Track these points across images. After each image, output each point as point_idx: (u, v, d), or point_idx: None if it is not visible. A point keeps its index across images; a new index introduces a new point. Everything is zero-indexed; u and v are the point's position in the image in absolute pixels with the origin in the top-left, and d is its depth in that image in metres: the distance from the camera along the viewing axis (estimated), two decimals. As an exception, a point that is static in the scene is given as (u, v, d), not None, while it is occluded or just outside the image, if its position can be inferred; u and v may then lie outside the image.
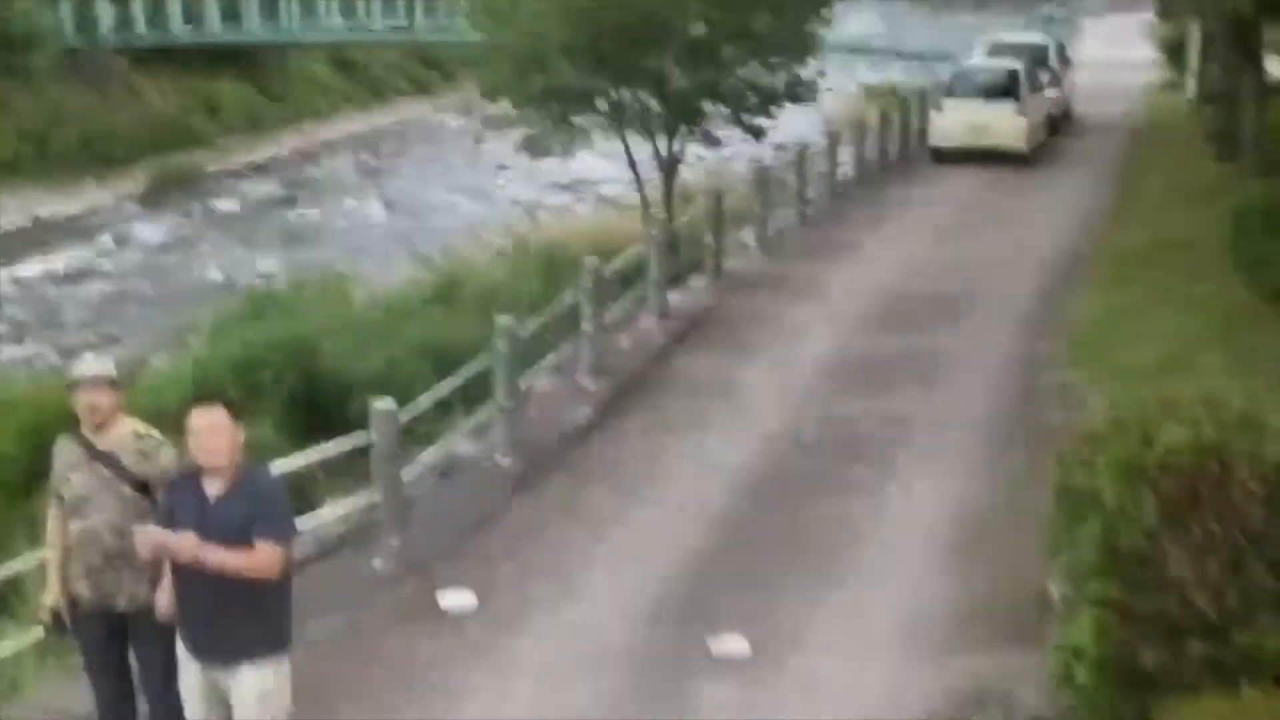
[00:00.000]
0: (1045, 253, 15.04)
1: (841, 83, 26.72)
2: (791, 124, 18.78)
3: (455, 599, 6.96)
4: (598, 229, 21.64)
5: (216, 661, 4.72)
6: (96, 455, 5.09)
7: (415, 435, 8.61)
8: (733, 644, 6.53)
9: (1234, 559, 4.85)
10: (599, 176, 33.72)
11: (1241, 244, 12.25)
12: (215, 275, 28.60)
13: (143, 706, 5.32)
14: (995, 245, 15.43)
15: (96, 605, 5.10)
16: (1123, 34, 41.40)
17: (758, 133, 18.20)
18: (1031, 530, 6.71)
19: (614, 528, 7.98)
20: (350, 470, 8.39)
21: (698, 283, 13.65)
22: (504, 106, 18.46)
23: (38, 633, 5.87)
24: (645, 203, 18.19)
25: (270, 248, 31.36)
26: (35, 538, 6.67)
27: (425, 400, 8.23)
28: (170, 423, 5.11)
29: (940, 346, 11.48)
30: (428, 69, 56.27)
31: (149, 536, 4.64)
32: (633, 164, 18.55)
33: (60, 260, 30.05)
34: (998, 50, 24.84)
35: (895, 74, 36.56)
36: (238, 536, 4.57)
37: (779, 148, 26.23)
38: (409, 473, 7.88)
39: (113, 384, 5.17)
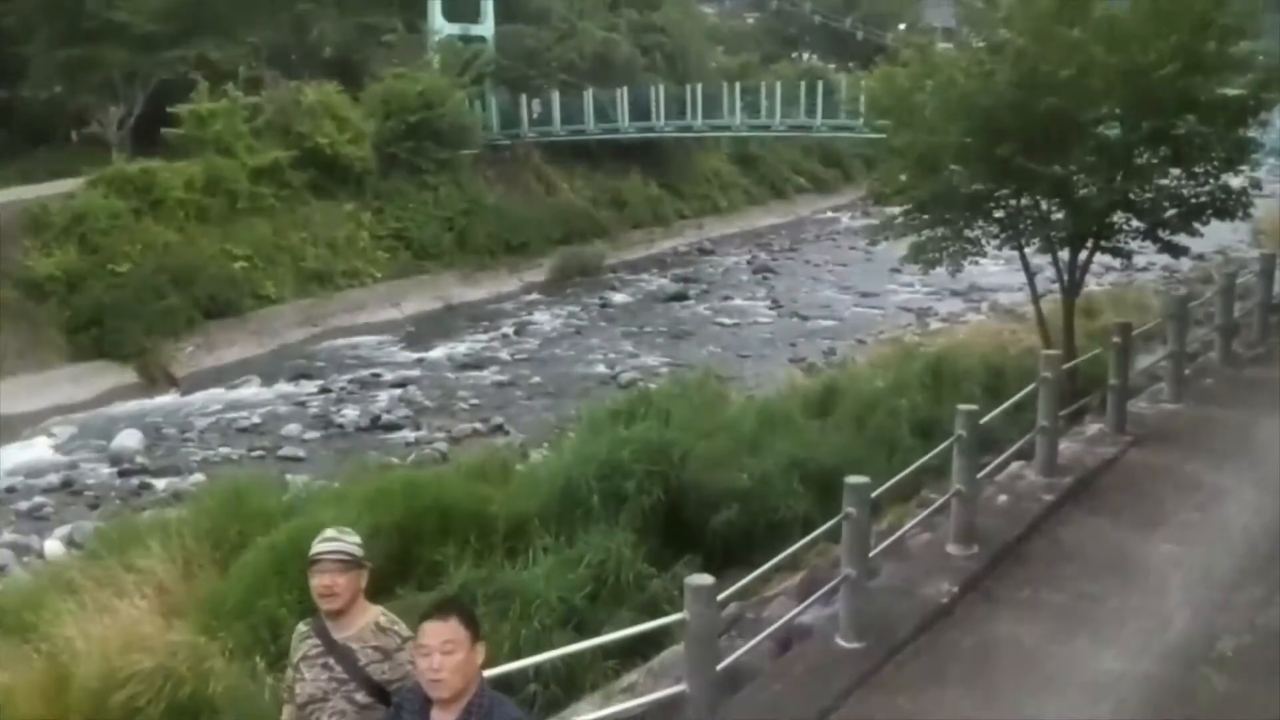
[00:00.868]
0: None
1: (1276, 190, 23.49)
2: (1215, 229, 16.30)
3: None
4: (990, 340, 20.07)
5: None
6: (332, 649, 4.39)
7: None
8: None
9: None
10: (996, 284, 31.85)
11: None
12: (601, 368, 29.14)
13: None
14: None
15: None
16: None
17: (1177, 250, 15.90)
18: None
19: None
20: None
21: (1095, 428, 11.78)
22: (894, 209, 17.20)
23: None
24: (1043, 326, 16.36)
25: (656, 343, 31.73)
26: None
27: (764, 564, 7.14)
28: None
29: None
30: (827, 167, 56.27)
31: None
32: (1030, 279, 16.78)
33: (463, 345, 31.69)
34: None
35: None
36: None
37: (1199, 258, 23.39)
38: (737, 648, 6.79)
39: (354, 563, 4.46)
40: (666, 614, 7.36)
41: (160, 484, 20.94)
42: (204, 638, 9.70)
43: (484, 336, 32.62)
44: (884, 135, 16.85)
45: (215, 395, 27.08)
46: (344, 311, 33.73)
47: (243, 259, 32.37)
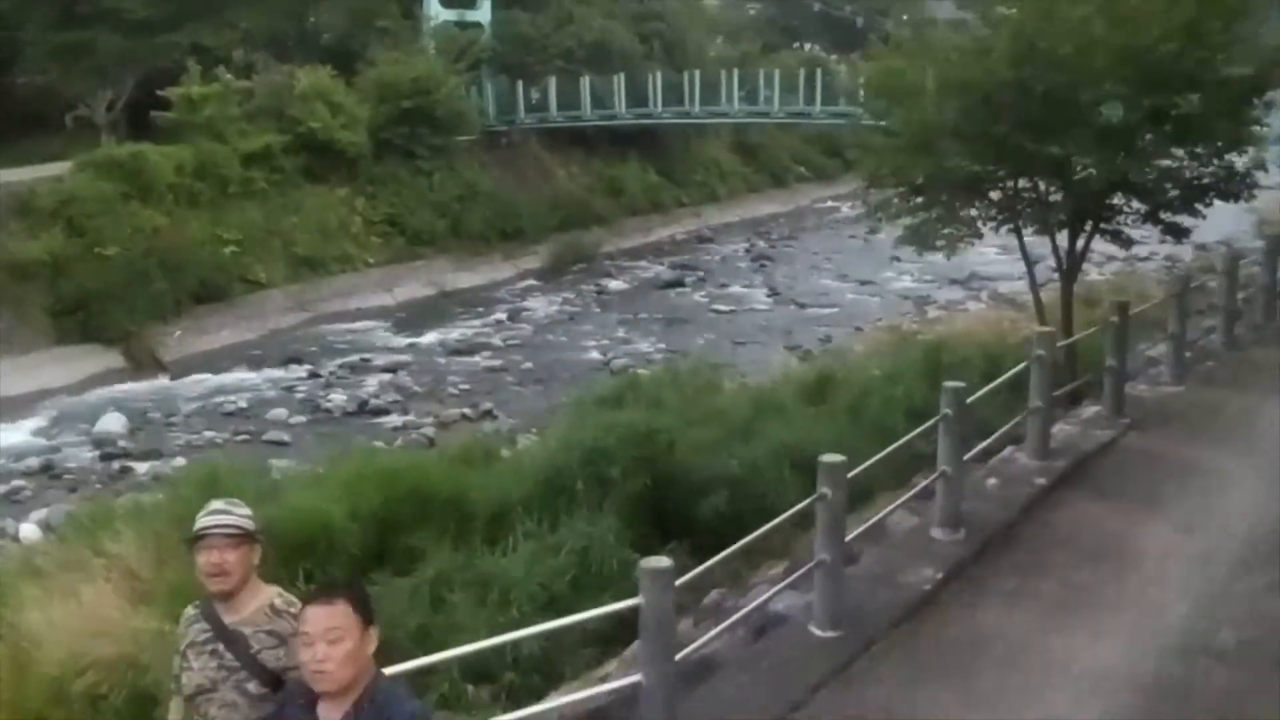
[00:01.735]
0: None
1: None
2: (1218, 221, 15.87)
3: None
4: (989, 329, 19.69)
5: None
6: (222, 634, 3.96)
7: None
8: None
9: None
10: (996, 272, 31.49)
11: None
12: (593, 355, 28.82)
13: None
14: None
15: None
16: None
17: (1179, 232, 15.47)
18: None
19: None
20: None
21: (1092, 410, 11.39)
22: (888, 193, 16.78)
23: None
24: (1041, 310, 15.95)
25: (651, 330, 31.41)
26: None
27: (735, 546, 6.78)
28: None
29: None
30: (828, 156, 55.74)
31: None
32: (1028, 263, 16.38)
33: (455, 331, 31.35)
34: None
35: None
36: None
37: (1201, 248, 22.97)
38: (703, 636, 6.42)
39: (246, 538, 3.98)
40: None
41: (142, 468, 20.60)
42: (170, 625, 9.36)
43: (477, 322, 32.26)
44: (882, 120, 16.42)
45: (202, 380, 26.71)
46: (335, 297, 33.37)
47: (233, 244, 32.00)
